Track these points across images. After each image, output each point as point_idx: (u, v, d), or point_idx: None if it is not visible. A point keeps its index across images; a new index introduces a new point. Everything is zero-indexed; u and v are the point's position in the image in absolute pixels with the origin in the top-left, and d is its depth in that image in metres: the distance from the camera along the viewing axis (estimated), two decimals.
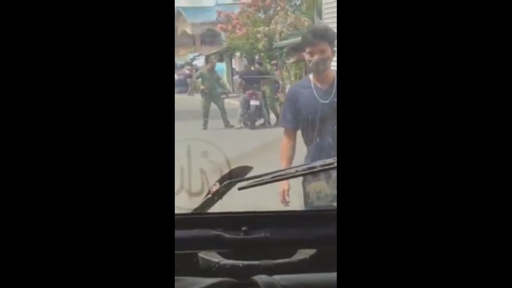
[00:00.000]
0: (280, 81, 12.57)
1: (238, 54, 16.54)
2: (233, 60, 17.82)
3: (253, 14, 15.97)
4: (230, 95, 14.21)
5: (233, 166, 1.46)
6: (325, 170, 1.33)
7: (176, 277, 0.89)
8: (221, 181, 1.39)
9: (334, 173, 1.41)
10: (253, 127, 10.64)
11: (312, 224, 1.17)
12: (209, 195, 1.39)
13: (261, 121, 10.89)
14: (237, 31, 16.21)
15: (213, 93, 11.20)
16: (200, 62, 19.49)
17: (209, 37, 22.32)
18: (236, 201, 1.42)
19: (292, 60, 12.86)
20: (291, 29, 14.00)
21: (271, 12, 15.62)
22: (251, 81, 11.30)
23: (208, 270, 1.06)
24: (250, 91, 10.98)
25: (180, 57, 24.94)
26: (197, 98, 12.47)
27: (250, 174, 1.40)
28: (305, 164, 1.44)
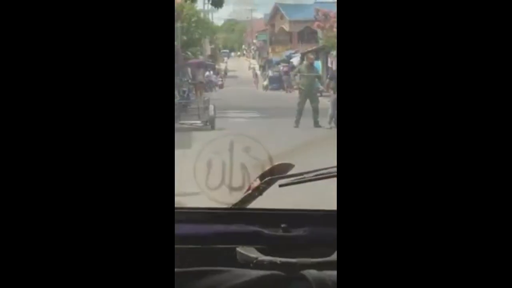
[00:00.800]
0: None
1: (334, 52, 16.39)
2: (329, 59, 17.67)
3: None
4: (324, 94, 14.09)
5: (276, 163, 1.45)
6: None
7: (221, 268, 0.89)
8: (262, 177, 1.38)
9: None
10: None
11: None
12: (250, 191, 1.38)
13: None
14: (334, 29, 16.07)
15: (310, 90, 11.04)
16: (296, 60, 19.53)
17: (306, 35, 22.33)
18: (276, 198, 1.40)
19: None
20: None
21: None
22: None
23: (246, 265, 1.06)
24: None
25: (276, 54, 25.16)
26: (292, 96, 12.41)
27: (291, 172, 1.39)
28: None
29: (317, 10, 17.41)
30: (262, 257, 1.07)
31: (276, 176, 1.35)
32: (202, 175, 1.52)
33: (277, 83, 19.27)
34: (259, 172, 1.41)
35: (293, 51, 22.73)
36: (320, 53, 18.07)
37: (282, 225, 1.15)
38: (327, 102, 11.26)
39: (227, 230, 1.14)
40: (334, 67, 16.23)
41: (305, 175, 1.32)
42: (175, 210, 0.87)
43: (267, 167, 1.42)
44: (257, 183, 1.36)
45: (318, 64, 17.28)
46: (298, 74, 11.56)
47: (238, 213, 1.28)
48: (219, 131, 9.71)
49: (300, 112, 10.78)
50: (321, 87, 12.44)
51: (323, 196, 2.01)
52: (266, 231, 1.15)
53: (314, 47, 18.55)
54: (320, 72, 15.61)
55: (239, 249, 1.10)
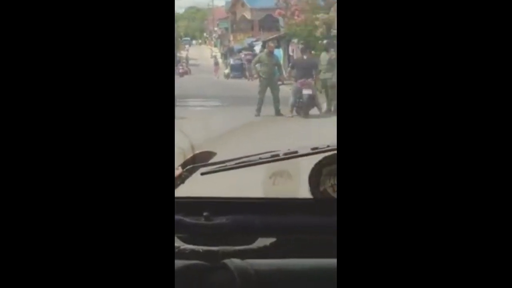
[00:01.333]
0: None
1: (295, 40, 16.42)
2: (290, 47, 17.71)
3: (313, 0, 15.79)
4: (285, 82, 14.12)
5: (197, 151, 1.44)
6: (289, 158, 1.32)
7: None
8: (183, 165, 1.36)
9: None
10: (306, 116, 10.54)
11: (274, 212, 1.17)
12: None
13: (314, 110, 10.77)
14: (295, 17, 16.09)
15: (271, 79, 11.08)
16: (258, 48, 19.51)
17: (268, 22, 22.28)
18: (198, 186, 1.40)
19: None
20: None
21: None
22: (303, 69, 11.15)
23: None
24: (302, 80, 10.86)
25: (238, 42, 25.08)
26: (254, 84, 12.42)
27: (213, 160, 1.39)
28: (268, 152, 1.39)
29: None
30: (184, 246, 1.08)
31: (198, 164, 1.34)
32: None
33: (239, 71, 19.18)
34: (181, 160, 1.39)
35: (254, 39, 22.68)
36: (281, 41, 18.08)
37: (204, 213, 1.15)
38: (289, 90, 11.28)
39: None
40: (296, 55, 16.31)
41: (227, 163, 1.31)
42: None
43: (189, 155, 1.40)
44: (179, 171, 1.34)
45: (280, 52, 17.32)
46: (259, 63, 11.51)
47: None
48: (178, 120, 9.53)
49: (261, 101, 10.80)
50: (283, 75, 12.49)
51: (245, 184, 2.06)
52: (188, 219, 1.14)
53: (275, 35, 18.55)
54: (281, 61, 15.64)
55: None
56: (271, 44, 12.31)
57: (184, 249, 1.07)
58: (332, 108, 10.85)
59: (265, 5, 21.37)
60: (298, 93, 10.65)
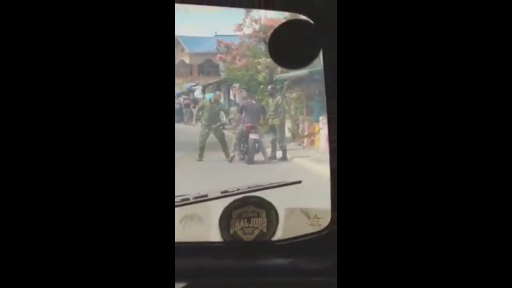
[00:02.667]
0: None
1: (237, 85, 16.35)
2: (231, 91, 17.60)
3: (254, 45, 15.84)
4: (226, 126, 13.92)
5: None
6: (198, 202, 1.38)
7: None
8: None
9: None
10: (251, 161, 10.28)
11: (184, 256, 1.18)
12: None
13: (259, 156, 10.56)
14: (237, 62, 16.05)
15: (213, 124, 10.94)
16: (198, 92, 19.38)
17: (207, 67, 22.22)
18: None
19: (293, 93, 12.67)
20: None
21: None
22: (252, 114, 11.00)
23: None
24: (249, 124, 10.68)
25: (177, 86, 24.84)
26: (195, 129, 12.15)
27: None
28: (179, 196, 1.41)
29: (219, 42, 17.31)
30: None
31: None
32: None
33: (178, 115, 18.84)
34: None
35: (193, 83, 22.53)
36: (221, 85, 17.99)
37: None
38: (232, 134, 11.10)
39: None
40: (238, 100, 16.20)
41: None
42: None
43: None
44: None
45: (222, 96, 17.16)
46: (203, 109, 11.36)
47: None
48: None
49: (203, 146, 10.58)
50: (224, 120, 12.30)
51: None
52: None
53: (215, 80, 18.45)
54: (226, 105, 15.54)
55: None
56: (218, 93, 12.21)
57: None
58: (277, 155, 10.72)
59: (205, 50, 21.40)
60: (243, 137, 10.44)
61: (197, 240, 1.46)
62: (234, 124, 12.31)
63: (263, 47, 15.58)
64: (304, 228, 1.85)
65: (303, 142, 11.91)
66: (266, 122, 11.21)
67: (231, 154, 10.47)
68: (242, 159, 10.41)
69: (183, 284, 1.16)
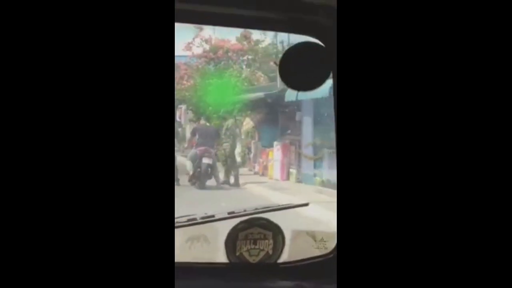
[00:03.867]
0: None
1: (183, 106, 15.90)
2: (177, 113, 17.14)
3: (203, 66, 15.53)
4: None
5: None
6: (205, 222, 1.36)
7: None
8: None
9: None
10: (202, 187, 9.79)
11: (190, 277, 1.21)
12: None
13: (212, 181, 10.09)
14: (184, 82, 15.68)
15: None
16: None
17: None
18: None
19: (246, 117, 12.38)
20: (245, 84, 13.62)
21: (221, 64, 15.24)
22: (205, 137, 10.58)
23: None
24: (202, 148, 10.23)
25: None
26: None
27: None
28: (184, 216, 1.44)
29: None
30: None
31: None
32: None
33: None
34: None
35: None
36: None
37: None
38: (181, 158, 10.60)
39: None
40: (182, 121, 15.75)
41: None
42: None
43: None
44: None
45: None
46: None
47: None
48: None
49: None
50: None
51: None
52: None
53: None
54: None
55: None
56: None
57: None
58: (231, 180, 10.37)
59: None
60: (196, 160, 9.98)
61: (202, 261, 1.45)
62: (185, 146, 11.81)
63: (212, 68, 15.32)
64: (310, 251, 1.83)
65: (254, 168, 11.62)
66: (220, 147, 10.85)
67: (179, 178, 9.97)
68: (193, 184, 9.89)
69: None
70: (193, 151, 10.41)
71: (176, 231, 1.30)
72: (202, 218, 1.37)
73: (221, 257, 1.36)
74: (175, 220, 1.32)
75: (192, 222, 1.36)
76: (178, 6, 0.93)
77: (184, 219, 1.37)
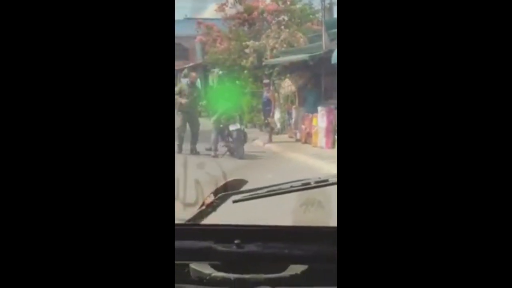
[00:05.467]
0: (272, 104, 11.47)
1: (216, 70, 15.45)
2: (210, 77, 16.74)
3: (237, 28, 15.00)
4: (203, 114, 12.88)
5: (229, 179, 1.51)
6: (320, 186, 1.39)
7: (175, 285, 0.94)
8: (215, 193, 1.42)
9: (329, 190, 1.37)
10: (241, 156, 9.34)
11: (305, 240, 1.22)
12: (203, 207, 1.42)
13: (245, 148, 9.62)
14: (218, 44, 15.22)
15: (191, 113, 9.86)
16: None
17: (177, 51, 21.51)
18: (230, 214, 1.45)
19: (284, 80, 11.88)
20: (284, 45, 13.08)
21: (256, 26, 14.71)
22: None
23: (199, 282, 1.12)
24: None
25: None
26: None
27: (245, 187, 1.44)
28: (299, 180, 1.42)
29: (199, 23, 16.38)
30: (216, 273, 1.13)
31: (230, 192, 1.42)
32: None
33: None
34: (213, 188, 1.45)
35: None
36: (197, 70, 17.21)
37: (236, 241, 1.20)
38: (210, 123, 10.16)
39: (181, 246, 1.13)
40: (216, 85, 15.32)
41: (258, 191, 1.39)
42: None
43: (221, 183, 1.48)
44: (210, 199, 1.42)
45: (198, 81, 16.22)
46: (178, 94, 10.18)
47: (192, 229, 1.34)
48: None
49: (181, 138, 9.49)
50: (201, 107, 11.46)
51: (276, 212, 2.14)
52: (219, 247, 1.20)
53: (191, 64, 17.62)
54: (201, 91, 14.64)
55: (193, 265, 1.16)
56: (193, 74, 11.11)
57: (215, 277, 1.11)
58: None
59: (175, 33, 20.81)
60: (225, 131, 9.54)
61: (316, 225, 1.44)
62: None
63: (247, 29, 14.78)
64: None
65: (295, 135, 11.16)
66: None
67: (212, 148, 9.48)
68: (229, 154, 9.44)
69: (304, 268, 1.13)
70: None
71: (291, 195, 1.35)
72: (316, 182, 1.39)
73: (335, 221, 1.25)
74: (290, 184, 1.39)
75: (306, 187, 1.38)
76: None
77: (299, 183, 1.40)
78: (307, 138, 10.49)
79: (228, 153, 9.42)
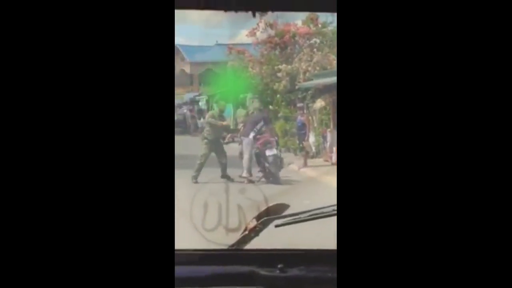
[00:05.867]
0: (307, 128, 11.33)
1: (249, 95, 15.41)
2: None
3: (269, 52, 14.96)
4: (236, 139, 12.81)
5: (271, 204, 1.51)
6: None
7: None
8: (258, 218, 1.44)
9: None
10: (277, 181, 9.16)
11: None
12: (246, 232, 1.44)
13: (281, 173, 9.45)
14: (250, 69, 15.20)
15: (217, 141, 9.76)
16: (202, 103, 18.92)
17: (208, 77, 21.68)
18: (273, 238, 1.44)
19: (319, 104, 11.73)
20: (317, 68, 12.95)
21: (288, 50, 14.65)
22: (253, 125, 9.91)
23: None
24: (261, 139, 9.61)
25: (177, 96, 24.12)
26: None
27: (287, 212, 1.47)
28: (332, 205, 1.39)
29: (230, 49, 16.42)
30: None
31: (272, 216, 1.44)
32: (199, 217, 1.73)
33: (182, 127, 18.05)
34: (255, 213, 1.48)
35: (196, 94, 21.95)
36: (229, 96, 17.22)
37: (279, 265, 1.22)
38: (238, 146, 10.01)
39: (224, 271, 1.21)
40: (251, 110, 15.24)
41: (301, 215, 1.41)
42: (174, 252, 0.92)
43: (263, 208, 1.49)
44: (253, 223, 1.44)
45: (229, 107, 16.19)
46: (208, 121, 10.04)
47: (235, 254, 1.38)
48: None
49: (201, 166, 9.34)
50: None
51: (319, 236, 2.14)
52: (263, 271, 1.22)
53: (220, 90, 17.68)
54: (231, 117, 14.63)
55: None
56: (222, 103, 11.05)
57: None
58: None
59: (206, 59, 21.02)
60: (261, 156, 9.39)
61: None
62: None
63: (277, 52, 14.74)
64: None
65: (331, 159, 10.95)
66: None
67: (245, 174, 9.35)
68: (264, 180, 9.27)
69: None
70: (246, 142, 9.67)
71: (334, 218, 1.28)
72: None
73: None
74: (332, 208, 1.37)
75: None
76: None
77: (330, 209, 1.39)
78: None
79: (263, 178, 9.27)
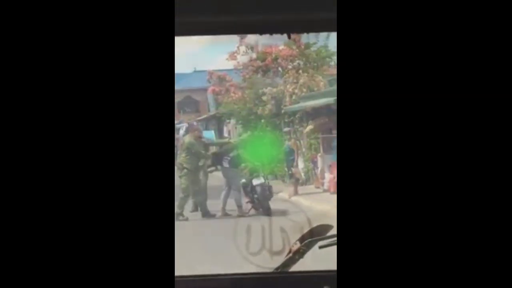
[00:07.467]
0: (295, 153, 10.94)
1: (232, 120, 15.03)
2: (225, 128, 16.33)
3: (250, 76, 14.65)
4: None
5: (314, 225, 1.57)
6: None
7: None
8: (301, 239, 1.49)
9: None
10: (268, 211, 8.69)
11: None
12: (290, 254, 1.50)
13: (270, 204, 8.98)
14: (232, 94, 14.87)
15: (197, 171, 9.32)
16: (182, 131, 18.60)
17: (186, 104, 21.36)
18: (317, 260, 1.47)
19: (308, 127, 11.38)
20: (304, 90, 12.64)
21: (271, 73, 14.36)
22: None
23: None
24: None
25: None
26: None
27: (330, 233, 1.49)
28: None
29: (211, 74, 16.10)
30: None
31: (316, 237, 1.49)
32: (243, 241, 1.81)
33: None
34: (298, 235, 1.54)
35: (177, 121, 21.55)
36: (210, 122, 16.87)
37: (325, 287, 1.23)
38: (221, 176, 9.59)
39: None
40: (232, 136, 14.80)
41: None
42: (221, 277, 0.98)
43: (306, 229, 1.55)
44: (297, 246, 1.49)
45: (212, 134, 15.71)
46: (185, 151, 9.49)
47: (281, 276, 1.41)
48: None
49: (185, 200, 8.90)
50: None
51: None
52: None
53: (203, 116, 17.36)
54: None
55: None
56: (196, 129, 10.60)
57: None
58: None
59: (183, 86, 20.76)
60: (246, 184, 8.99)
61: None
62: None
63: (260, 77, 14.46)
64: None
65: (322, 185, 10.53)
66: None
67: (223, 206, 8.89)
68: (253, 211, 8.80)
69: None
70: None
71: None
72: None
73: None
74: None
75: None
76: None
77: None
78: (336, 188, 9.87)
79: (253, 210, 8.82)
